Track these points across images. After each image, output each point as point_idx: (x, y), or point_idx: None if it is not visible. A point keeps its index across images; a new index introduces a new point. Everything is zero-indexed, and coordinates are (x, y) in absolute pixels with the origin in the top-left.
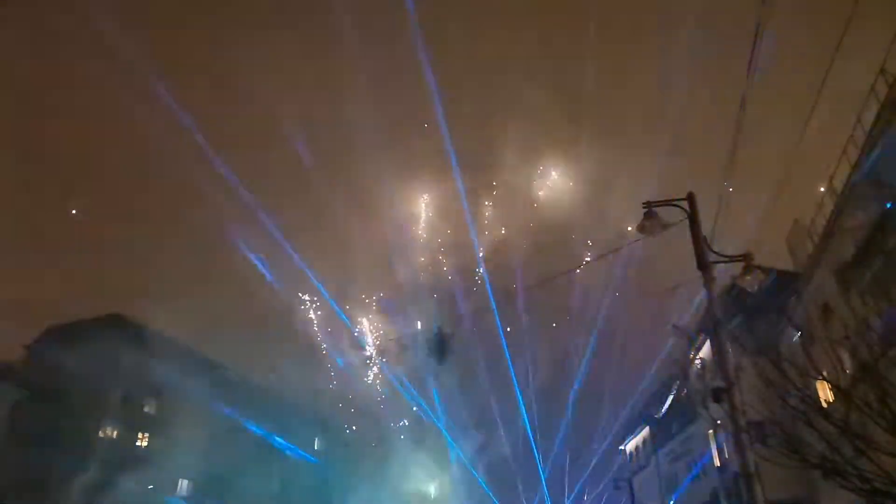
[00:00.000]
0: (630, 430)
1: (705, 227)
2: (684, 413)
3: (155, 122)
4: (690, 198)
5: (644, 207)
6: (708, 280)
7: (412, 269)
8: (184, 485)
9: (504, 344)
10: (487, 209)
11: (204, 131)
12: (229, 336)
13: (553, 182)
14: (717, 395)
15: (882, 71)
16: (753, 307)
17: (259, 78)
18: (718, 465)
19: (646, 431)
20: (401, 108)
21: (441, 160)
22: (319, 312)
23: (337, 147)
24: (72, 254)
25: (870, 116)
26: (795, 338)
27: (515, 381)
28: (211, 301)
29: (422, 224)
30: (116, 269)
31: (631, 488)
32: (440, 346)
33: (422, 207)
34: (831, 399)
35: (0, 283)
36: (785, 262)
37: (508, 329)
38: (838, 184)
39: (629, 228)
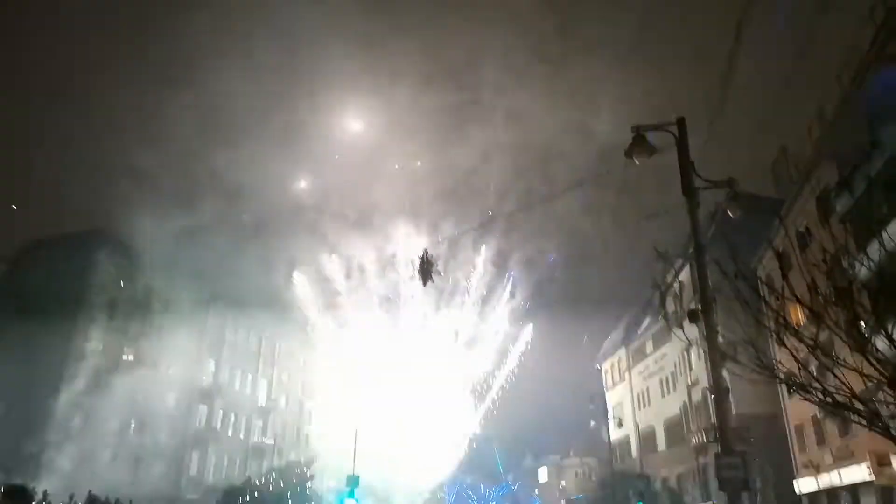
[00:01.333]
0: (607, 350)
1: (692, 153)
2: (659, 334)
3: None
4: (680, 123)
5: (633, 132)
6: (692, 205)
7: (394, 189)
8: (172, 397)
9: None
10: (470, 128)
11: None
12: (214, 247)
13: (537, 102)
14: (693, 316)
15: None
16: (735, 232)
17: None
18: (690, 382)
19: (622, 351)
20: (378, 19)
21: (420, 73)
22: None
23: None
24: (51, 167)
25: (864, 45)
26: (773, 262)
27: None
28: (195, 213)
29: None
30: (97, 182)
31: (604, 402)
32: (425, 268)
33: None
34: (803, 321)
35: None
36: (770, 190)
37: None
38: (828, 112)
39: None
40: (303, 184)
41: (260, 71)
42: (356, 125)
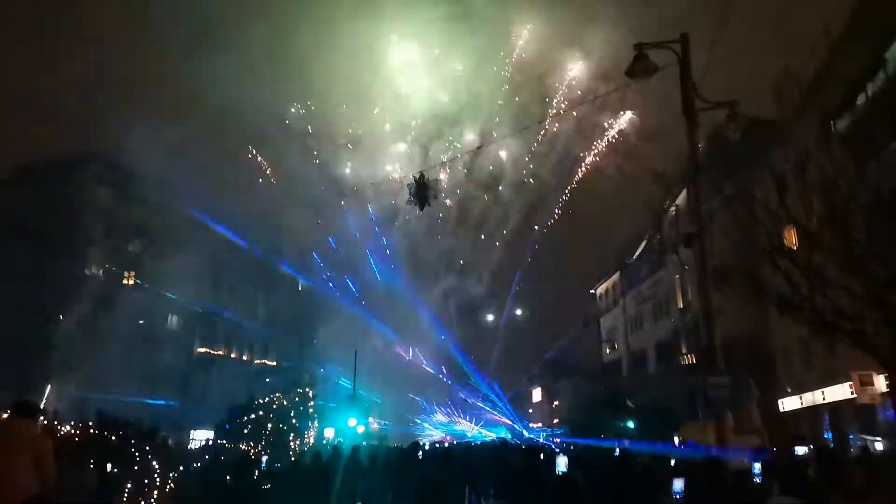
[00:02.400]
0: (602, 275)
1: (695, 74)
2: (654, 259)
3: None
4: (683, 39)
5: (635, 49)
6: (691, 126)
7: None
8: (174, 320)
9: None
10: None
11: None
12: (211, 168)
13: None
14: (688, 240)
15: None
16: (734, 154)
17: None
18: (681, 306)
19: (616, 276)
20: None
21: None
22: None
23: None
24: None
25: None
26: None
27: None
28: (189, 130)
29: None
30: (88, 104)
31: (598, 326)
32: (422, 191)
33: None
34: (797, 244)
35: None
36: (770, 113)
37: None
38: (835, 29)
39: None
40: (294, 94)
41: None
42: (347, 34)
